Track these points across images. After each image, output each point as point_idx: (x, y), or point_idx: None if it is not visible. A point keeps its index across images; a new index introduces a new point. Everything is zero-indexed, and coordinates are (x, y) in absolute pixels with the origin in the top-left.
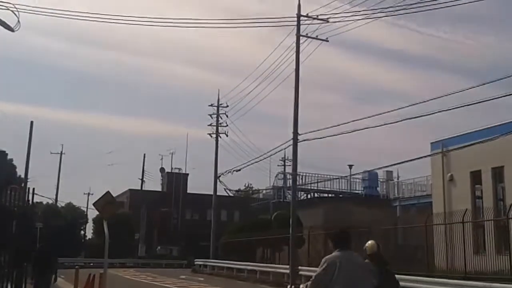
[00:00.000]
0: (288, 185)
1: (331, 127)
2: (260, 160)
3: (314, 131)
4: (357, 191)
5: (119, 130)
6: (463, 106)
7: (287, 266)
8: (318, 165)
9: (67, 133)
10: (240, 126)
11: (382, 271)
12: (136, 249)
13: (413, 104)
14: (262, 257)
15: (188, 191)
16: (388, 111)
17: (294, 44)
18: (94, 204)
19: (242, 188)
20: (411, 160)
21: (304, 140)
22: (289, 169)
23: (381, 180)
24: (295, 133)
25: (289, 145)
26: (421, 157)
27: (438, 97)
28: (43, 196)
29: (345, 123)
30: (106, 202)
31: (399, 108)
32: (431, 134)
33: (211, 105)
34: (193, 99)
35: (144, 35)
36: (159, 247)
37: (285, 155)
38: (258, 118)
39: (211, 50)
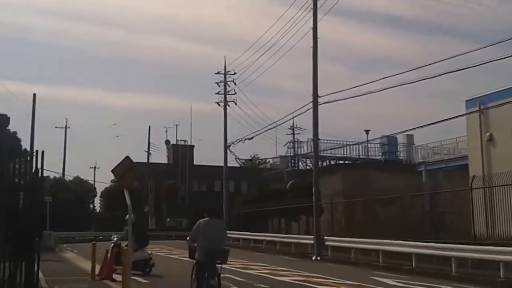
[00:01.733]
0: (301, 153)
1: (351, 88)
2: (273, 127)
3: (334, 92)
4: (375, 158)
5: (122, 106)
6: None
7: (311, 237)
8: (331, 133)
9: (69, 110)
10: (245, 97)
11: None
12: (146, 221)
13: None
14: (278, 227)
15: (194, 163)
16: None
17: (296, 16)
18: (113, 171)
19: (248, 159)
20: (443, 121)
21: (326, 102)
22: (299, 137)
23: (401, 145)
24: (315, 95)
25: (299, 113)
26: (456, 117)
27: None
28: (50, 171)
29: (363, 85)
30: (125, 168)
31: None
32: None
33: (218, 72)
34: (195, 74)
35: (142, 10)
36: (168, 219)
37: (293, 124)
38: (263, 90)
39: (210, 24)
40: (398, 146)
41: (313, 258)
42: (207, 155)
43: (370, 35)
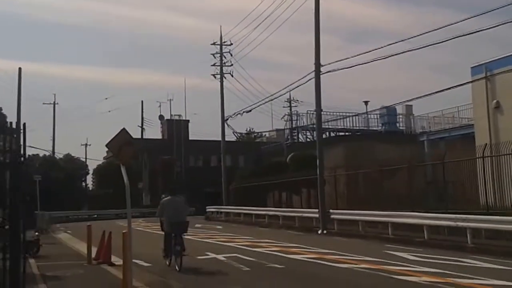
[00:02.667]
0: (301, 125)
1: (353, 56)
2: (270, 100)
3: (337, 61)
4: (374, 129)
5: (113, 82)
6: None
7: (316, 210)
8: (329, 106)
9: (57, 87)
10: (242, 70)
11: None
12: (140, 198)
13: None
14: (278, 201)
15: (189, 138)
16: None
17: None
18: (107, 146)
19: (244, 132)
20: (448, 89)
21: (328, 71)
22: (296, 111)
23: (401, 115)
24: (317, 64)
25: (300, 84)
26: (462, 84)
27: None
28: (39, 148)
29: (365, 53)
30: (122, 142)
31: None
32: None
33: (214, 43)
34: (188, 48)
35: None
36: (163, 196)
37: (290, 96)
38: (258, 64)
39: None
40: (398, 117)
41: (319, 232)
42: (202, 130)
43: (362, 6)
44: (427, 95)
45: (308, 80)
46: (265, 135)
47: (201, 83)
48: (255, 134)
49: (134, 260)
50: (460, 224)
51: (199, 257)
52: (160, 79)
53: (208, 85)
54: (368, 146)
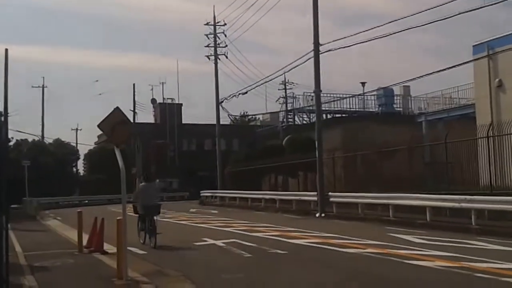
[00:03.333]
0: (298, 107)
1: (354, 34)
2: (265, 82)
3: (335, 40)
4: (371, 110)
5: (103, 65)
6: None
7: (314, 193)
8: (325, 88)
9: (47, 71)
10: (236, 51)
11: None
12: (133, 183)
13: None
14: (274, 185)
15: (183, 122)
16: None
17: None
18: (99, 126)
19: (238, 115)
20: (448, 69)
21: (328, 51)
22: (291, 93)
23: (398, 96)
24: (316, 43)
25: (294, 66)
26: (463, 63)
27: None
28: (28, 133)
29: (364, 31)
30: (115, 122)
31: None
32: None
33: (207, 23)
34: (179, 31)
35: None
36: (157, 180)
37: (285, 79)
38: (251, 47)
39: None
40: (395, 98)
41: (317, 215)
42: (196, 114)
43: None
44: (426, 74)
45: (306, 60)
46: (259, 118)
47: (193, 66)
48: (250, 117)
49: (128, 248)
50: (465, 205)
51: (196, 243)
52: (152, 62)
53: (201, 69)
54: (366, 128)
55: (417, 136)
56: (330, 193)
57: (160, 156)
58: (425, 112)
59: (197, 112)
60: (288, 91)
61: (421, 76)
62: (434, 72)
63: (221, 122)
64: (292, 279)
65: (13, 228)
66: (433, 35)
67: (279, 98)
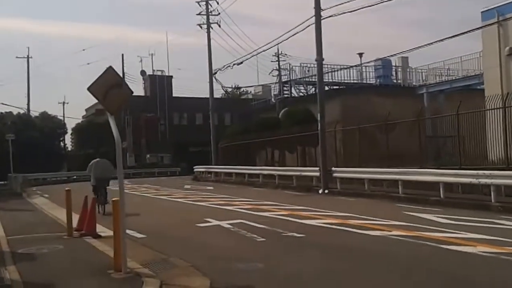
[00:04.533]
0: (294, 78)
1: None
2: (260, 52)
3: (337, 5)
4: (370, 82)
5: (90, 37)
6: None
7: (316, 168)
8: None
9: (33, 43)
10: (227, 23)
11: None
12: (124, 159)
13: None
14: (271, 160)
15: (173, 95)
16: None
17: None
18: (90, 89)
19: (232, 87)
20: (453, 37)
21: (330, 16)
22: (289, 63)
23: (398, 67)
24: (318, 8)
25: (283, 40)
26: (472, 30)
27: None
28: (13, 106)
29: None
30: (109, 84)
31: None
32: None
33: None
34: (170, 3)
35: None
36: (148, 156)
37: (278, 50)
38: (243, 20)
39: None
40: (394, 69)
41: (320, 191)
42: (187, 86)
43: None
44: (426, 45)
45: (305, 28)
46: (250, 92)
47: (184, 39)
48: (242, 90)
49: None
50: (483, 181)
51: (199, 225)
52: (141, 34)
53: (192, 41)
54: (366, 100)
55: (418, 109)
56: (333, 168)
57: (150, 130)
58: (427, 84)
59: (188, 84)
60: (281, 63)
61: (421, 47)
62: (436, 42)
63: (214, 96)
64: (335, 274)
65: None
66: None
67: (272, 71)
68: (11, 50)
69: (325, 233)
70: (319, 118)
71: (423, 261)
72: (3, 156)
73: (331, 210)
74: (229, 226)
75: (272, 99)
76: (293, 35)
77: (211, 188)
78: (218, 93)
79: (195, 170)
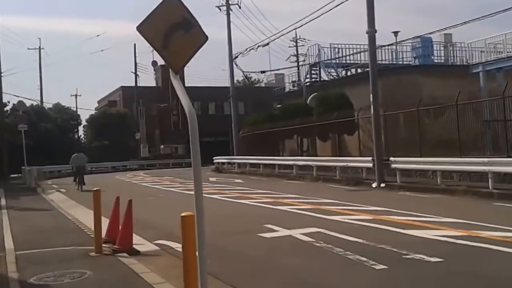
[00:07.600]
0: (324, 60)
1: None
2: (283, 35)
3: None
4: (407, 63)
5: (99, 31)
6: None
7: (367, 159)
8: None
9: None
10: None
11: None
12: (137, 150)
13: None
14: (299, 149)
15: (185, 85)
16: None
17: None
18: (140, 30)
19: (241, 78)
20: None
21: None
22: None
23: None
24: None
25: (302, 24)
26: None
27: None
28: (26, 98)
29: None
30: (169, 24)
31: None
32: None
33: None
34: None
35: None
36: (162, 146)
37: (296, 35)
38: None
39: None
40: (434, 48)
41: (373, 185)
42: (197, 75)
43: None
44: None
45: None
46: (262, 80)
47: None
48: (254, 78)
49: (164, 242)
50: None
51: (262, 235)
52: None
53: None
54: (409, 81)
55: (473, 91)
56: (392, 158)
57: (163, 121)
58: (483, 62)
59: (199, 73)
60: (301, 49)
61: (469, 21)
62: (489, 15)
63: (227, 83)
64: None
65: (8, 207)
66: None
67: (289, 56)
68: (22, 43)
69: (461, 254)
70: (371, 99)
71: None
72: (17, 148)
73: (423, 212)
74: (308, 238)
75: (290, 87)
76: (331, 9)
77: (240, 181)
78: (226, 82)
79: (215, 161)
